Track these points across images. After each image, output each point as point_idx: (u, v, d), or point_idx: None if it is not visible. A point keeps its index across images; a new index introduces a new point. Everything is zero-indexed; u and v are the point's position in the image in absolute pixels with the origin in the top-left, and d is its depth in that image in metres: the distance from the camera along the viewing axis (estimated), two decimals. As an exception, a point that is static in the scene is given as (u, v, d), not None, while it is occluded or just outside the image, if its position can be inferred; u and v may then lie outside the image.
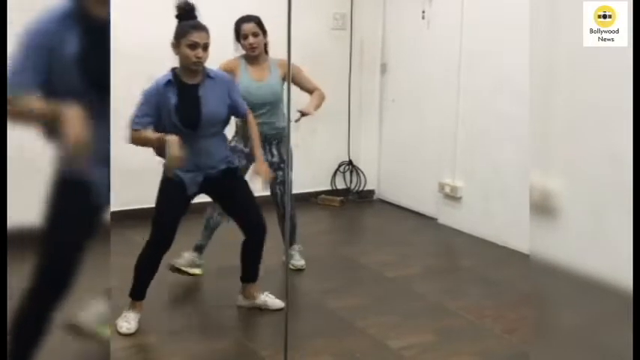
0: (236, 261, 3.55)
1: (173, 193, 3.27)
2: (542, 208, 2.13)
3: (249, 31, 3.81)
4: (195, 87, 3.24)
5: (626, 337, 1.87)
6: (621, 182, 1.96)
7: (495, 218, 4.87)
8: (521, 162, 4.31)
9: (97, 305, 2.54)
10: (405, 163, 5.89)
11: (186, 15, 3.20)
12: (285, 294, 2.75)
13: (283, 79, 3.90)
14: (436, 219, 5.46)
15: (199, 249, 4.04)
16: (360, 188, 6.16)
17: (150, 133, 3.18)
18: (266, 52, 3.95)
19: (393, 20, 5.88)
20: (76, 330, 2.58)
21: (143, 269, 3.32)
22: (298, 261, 4.22)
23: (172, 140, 3.07)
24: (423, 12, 5.48)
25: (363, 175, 6.17)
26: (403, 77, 5.78)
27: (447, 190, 5.29)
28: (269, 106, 3.91)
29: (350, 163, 6.15)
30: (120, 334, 3.25)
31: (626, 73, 1.92)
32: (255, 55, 3.87)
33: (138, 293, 3.35)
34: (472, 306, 3.74)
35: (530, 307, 2.31)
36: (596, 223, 2.06)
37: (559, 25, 2.15)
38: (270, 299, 3.60)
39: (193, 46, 3.14)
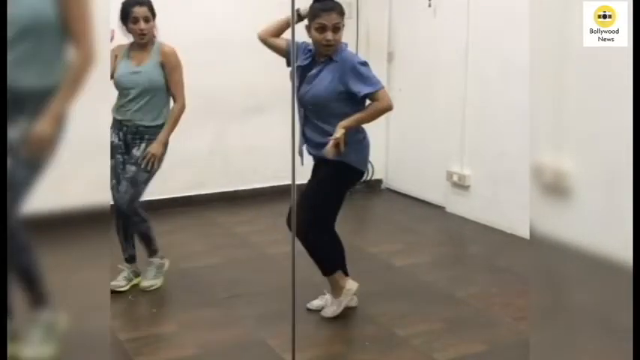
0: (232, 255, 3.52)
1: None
2: (554, 188, 2.13)
3: (141, 15, 3.52)
4: (319, 66, 3.22)
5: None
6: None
7: (504, 206, 4.85)
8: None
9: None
10: (413, 152, 5.88)
11: None
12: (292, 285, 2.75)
13: (162, 66, 3.60)
14: (444, 207, 5.46)
15: (131, 260, 3.80)
16: (368, 178, 6.15)
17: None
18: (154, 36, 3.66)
19: (399, 8, 5.86)
20: None
21: None
22: (148, 280, 3.76)
23: None
24: (430, -1, 5.46)
25: (371, 164, 6.14)
26: (410, 66, 5.76)
27: (455, 178, 5.28)
28: (142, 94, 3.57)
29: (357, 152, 6.13)
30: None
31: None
32: (143, 42, 3.59)
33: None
34: (480, 294, 3.75)
35: (537, 293, 2.30)
36: (609, 201, 2.05)
37: (563, 5, 2.14)
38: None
39: (322, 29, 3.11)
